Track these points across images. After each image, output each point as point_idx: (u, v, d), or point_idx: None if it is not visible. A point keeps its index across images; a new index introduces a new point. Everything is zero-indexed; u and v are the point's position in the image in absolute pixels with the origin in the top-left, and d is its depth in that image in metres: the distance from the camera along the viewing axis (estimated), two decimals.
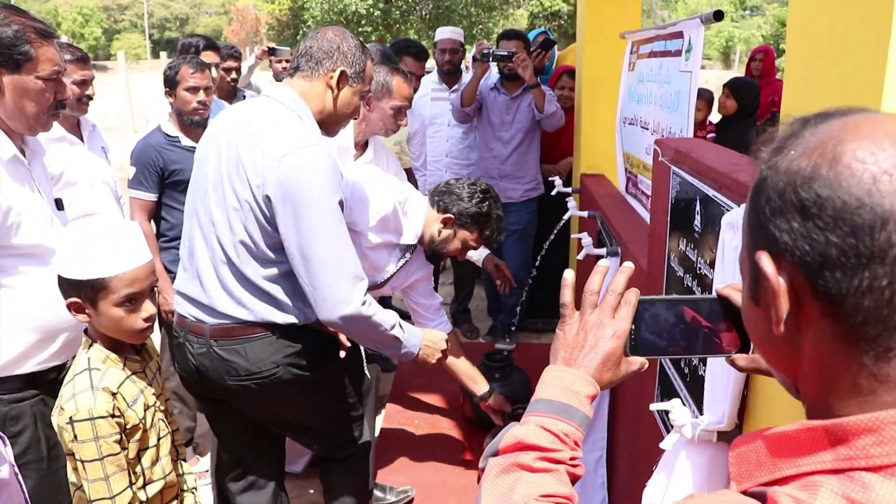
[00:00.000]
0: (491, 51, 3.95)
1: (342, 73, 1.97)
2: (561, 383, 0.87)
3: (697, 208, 1.57)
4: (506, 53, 3.90)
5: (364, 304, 1.90)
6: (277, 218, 1.83)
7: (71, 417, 1.52)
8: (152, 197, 2.96)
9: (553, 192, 3.53)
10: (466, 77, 4.47)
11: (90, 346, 1.62)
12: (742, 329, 0.88)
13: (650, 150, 2.93)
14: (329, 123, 2.04)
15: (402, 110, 2.69)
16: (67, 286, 1.56)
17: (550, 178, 3.56)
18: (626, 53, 3.34)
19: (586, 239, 3.02)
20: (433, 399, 3.68)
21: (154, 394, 1.71)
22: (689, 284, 1.63)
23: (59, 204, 1.97)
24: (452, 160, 4.44)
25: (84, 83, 2.80)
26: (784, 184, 0.58)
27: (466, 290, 4.88)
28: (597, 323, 0.88)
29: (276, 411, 2.10)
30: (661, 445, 1.40)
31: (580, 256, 2.97)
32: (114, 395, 1.57)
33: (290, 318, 1.96)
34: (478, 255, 2.98)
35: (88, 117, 2.96)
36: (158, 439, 1.68)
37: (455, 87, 4.40)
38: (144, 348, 1.74)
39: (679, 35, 2.56)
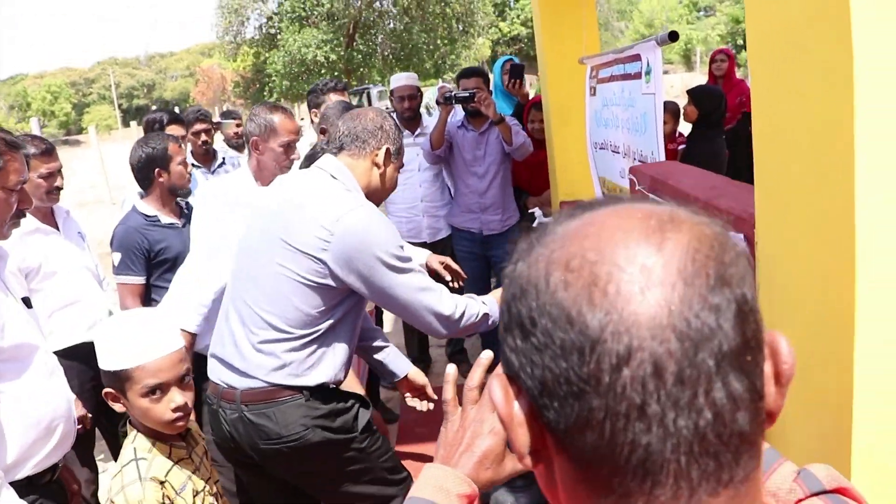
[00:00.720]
0: (453, 93, 4.01)
1: (387, 150, 2.07)
2: (434, 482, 0.83)
3: None
4: (467, 95, 3.94)
5: (455, 313, 1.99)
6: (345, 279, 1.89)
7: None
8: (141, 280, 2.90)
9: (534, 224, 3.51)
10: (427, 119, 4.50)
11: (135, 437, 1.64)
12: None
13: (624, 174, 2.93)
14: (374, 198, 2.08)
15: (290, 144, 2.70)
16: (103, 376, 1.60)
17: (530, 210, 3.54)
18: (587, 78, 3.36)
19: (538, 212, 3.01)
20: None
21: (203, 478, 1.71)
22: None
23: (27, 303, 1.93)
24: (428, 204, 4.42)
25: (51, 175, 2.77)
26: (511, 295, 0.51)
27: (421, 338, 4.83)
28: (475, 419, 0.86)
29: (308, 474, 2.09)
30: None
31: (535, 225, 2.94)
32: (162, 483, 1.58)
33: (319, 380, 1.98)
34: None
35: (62, 204, 2.93)
36: None
37: (418, 131, 4.40)
38: (189, 434, 1.74)
39: (637, 58, 2.58)
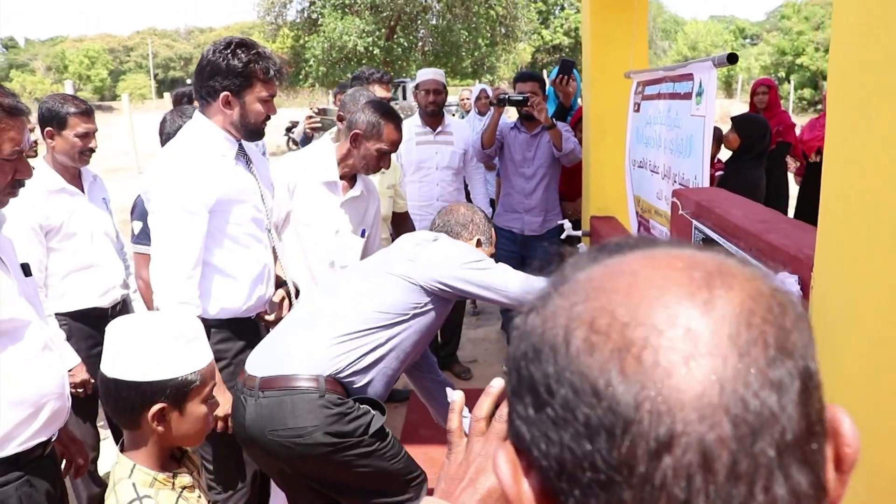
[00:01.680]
0: (507, 96, 4.13)
1: (478, 240, 2.40)
2: None
3: None
4: (521, 98, 4.04)
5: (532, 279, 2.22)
6: (462, 294, 2.23)
7: None
8: None
9: (563, 236, 3.45)
10: (450, 119, 4.56)
11: (132, 470, 1.40)
12: None
13: (661, 196, 2.86)
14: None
15: (386, 155, 2.80)
16: (150, 392, 1.36)
17: (559, 222, 3.48)
18: (632, 94, 3.29)
19: (582, 247, 2.96)
20: (442, 451, 3.54)
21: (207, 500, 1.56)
22: None
23: (26, 269, 1.86)
24: (443, 204, 4.40)
25: (87, 136, 2.75)
26: (521, 353, 0.43)
27: (454, 333, 4.82)
28: (481, 453, 0.80)
29: (315, 472, 2.09)
30: None
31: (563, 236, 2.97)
32: None
33: (350, 380, 2.07)
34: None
35: (90, 167, 2.90)
36: None
37: (439, 128, 4.41)
38: (186, 455, 1.55)
39: (689, 77, 2.50)
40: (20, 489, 1.73)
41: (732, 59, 2.11)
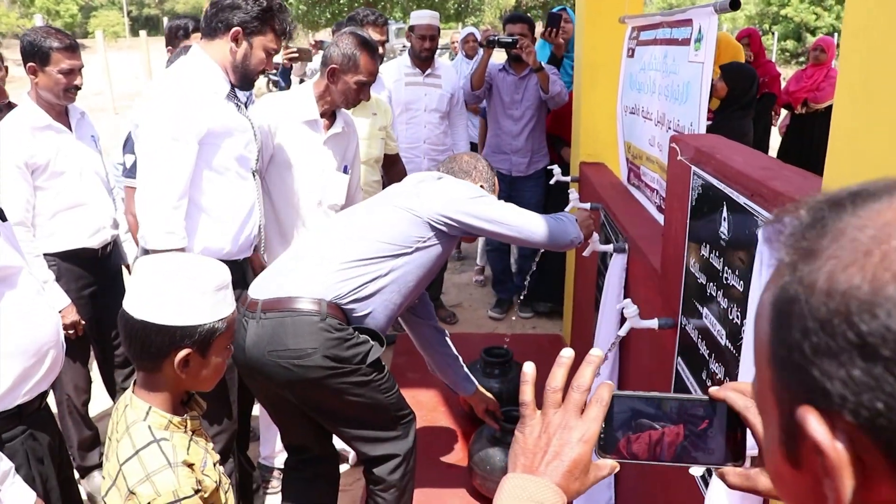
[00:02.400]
0: (496, 38, 4.24)
1: (481, 186, 2.42)
2: (523, 493, 0.76)
3: (724, 214, 1.49)
4: (510, 40, 4.15)
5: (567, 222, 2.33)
6: (467, 229, 2.24)
7: (150, 503, 1.30)
8: None
9: (552, 181, 3.45)
10: (441, 61, 4.59)
11: (147, 412, 1.39)
12: (737, 438, 0.79)
13: (654, 142, 2.85)
14: None
15: (366, 86, 2.80)
16: (179, 337, 1.35)
17: (549, 168, 3.48)
18: (626, 39, 3.25)
19: (573, 194, 2.99)
20: (429, 394, 3.60)
21: (212, 447, 1.56)
22: (713, 294, 1.56)
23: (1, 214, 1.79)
24: (430, 146, 4.44)
25: (72, 73, 2.68)
26: (829, 310, 0.41)
27: (437, 278, 4.89)
28: (561, 425, 0.79)
29: (310, 397, 2.12)
30: (691, 471, 1.34)
31: (567, 209, 2.99)
32: (190, 466, 1.38)
33: (352, 307, 2.10)
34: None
35: (76, 104, 2.84)
36: (225, 493, 1.54)
37: (428, 71, 4.43)
38: (192, 398, 1.55)
39: (687, 23, 2.47)
40: (25, 443, 1.73)
41: (735, 5, 2.09)
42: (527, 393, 0.81)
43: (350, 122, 3.02)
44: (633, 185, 3.11)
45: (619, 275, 2.45)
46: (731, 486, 0.81)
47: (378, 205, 2.27)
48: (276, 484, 2.98)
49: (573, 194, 3.05)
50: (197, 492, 1.36)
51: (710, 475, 1.33)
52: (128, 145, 2.83)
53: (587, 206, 3.01)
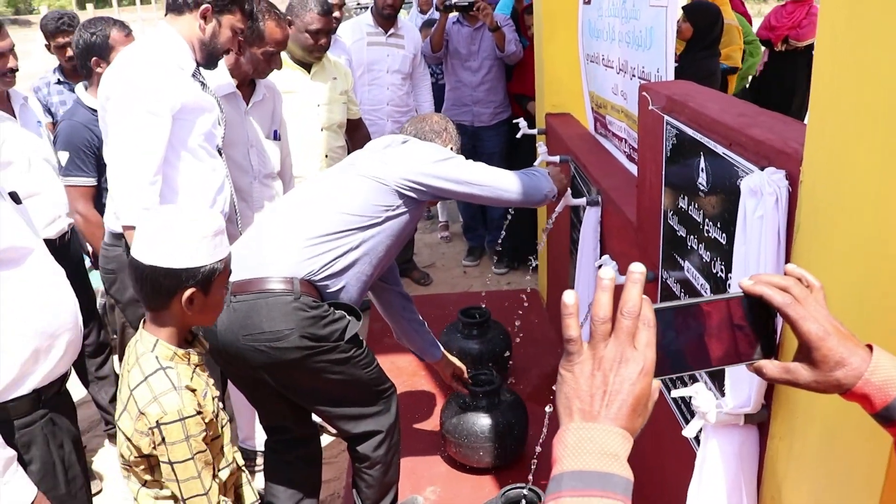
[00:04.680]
0: (453, 2, 4.26)
1: (451, 148, 2.36)
2: (592, 446, 0.68)
3: (702, 165, 1.45)
4: (466, 3, 4.23)
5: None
6: (436, 192, 2.18)
7: (158, 421, 1.49)
8: (93, 181, 2.68)
9: (518, 135, 3.39)
10: (403, 21, 4.52)
11: (154, 344, 1.57)
12: (768, 331, 0.79)
13: (617, 90, 2.80)
14: None
15: (275, 55, 2.74)
16: (185, 277, 1.51)
17: (515, 121, 3.41)
18: None
19: (542, 147, 2.96)
20: (407, 359, 3.56)
21: (213, 384, 1.70)
22: (694, 246, 1.53)
23: (14, 198, 1.71)
24: (393, 108, 4.35)
25: (2, 56, 2.53)
26: None
27: (408, 242, 4.87)
28: (616, 358, 0.71)
29: (288, 378, 2.08)
30: (684, 433, 1.32)
31: (536, 163, 2.98)
32: (193, 391, 1.57)
33: (324, 283, 2.05)
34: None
35: (18, 89, 2.69)
36: (221, 427, 1.69)
37: (391, 30, 4.29)
38: (196, 338, 1.70)
39: None
40: (45, 428, 1.67)
41: None
42: (572, 327, 0.72)
43: (271, 87, 2.93)
44: (601, 135, 3.07)
45: (595, 228, 2.42)
46: (768, 379, 0.81)
47: (342, 174, 2.19)
48: (260, 462, 2.95)
49: (541, 147, 2.99)
50: (199, 413, 1.54)
51: (700, 436, 1.32)
52: (59, 140, 2.68)
53: (556, 158, 2.96)
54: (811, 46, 5.03)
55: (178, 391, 1.52)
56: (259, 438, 2.95)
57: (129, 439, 1.54)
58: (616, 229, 2.28)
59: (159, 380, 1.52)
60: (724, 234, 1.37)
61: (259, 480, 2.91)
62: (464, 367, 2.81)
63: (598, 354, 0.71)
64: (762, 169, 1.17)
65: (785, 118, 1.36)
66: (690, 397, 1.27)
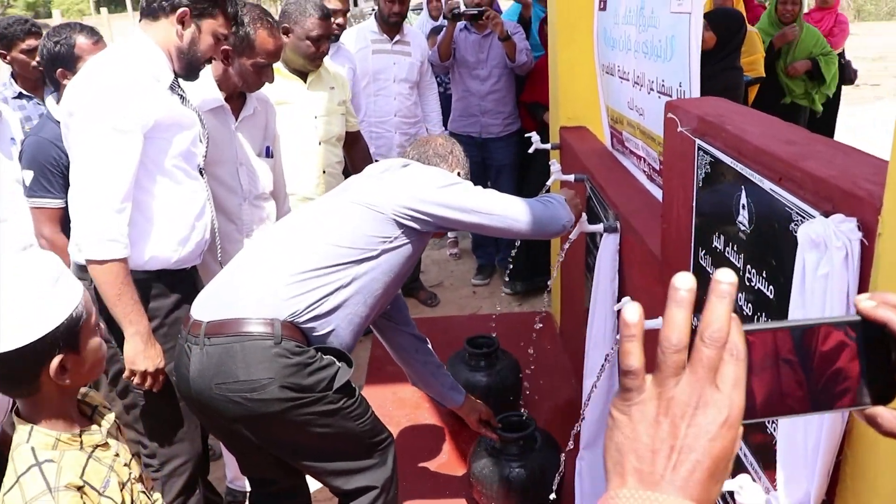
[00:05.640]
0: (461, 11, 4.11)
1: (458, 173, 2.18)
2: None
3: (743, 200, 1.22)
4: (475, 13, 4.06)
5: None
6: (440, 223, 1.95)
7: None
8: (60, 203, 2.41)
9: (530, 150, 3.16)
10: (408, 28, 4.34)
11: (30, 432, 1.25)
12: (889, 369, 0.57)
13: (633, 105, 2.58)
14: None
15: (266, 68, 2.46)
16: (42, 350, 1.21)
17: (527, 136, 3.19)
18: None
19: (555, 166, 2.72)
20: (411, 390, 3.29)
21: (124, 463, 1.38)
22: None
23: None
24: (401, 119, 4.15)
25: None
26: None
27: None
28: (692, 402, 0.51)
29: (268, 434, 1.84)
30: None
31: (549, 182, 2.76)
32: (80, 489, 1.24)
33: (311, 325, 1.81)
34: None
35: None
36: None
37: (396, 37, 4.11)
38: (96, 410, 1.41)
39: None
40: None
41: None
42: (633, 354, 0.52)
43: (263, 99, 2.68)
44: (618, 151, 2.84)
45: (613, 258, 2.19)
46: (885, 433, 0.60)
47: (334, 201, 1.97)
48: None
49: (554, 166, 2.76)
50: None
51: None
52: (24, 158, 2.46)
53: (571, 177, 2.73)
54: (842, 54, 4.75)
55: (53, 493, 1.20)
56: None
57: None
58: (637, 261, 2.05)
59: (32, 480, 1.21)
60: (771, 287, 1.14)
61: None
62: (490, 411, 2.55)
63: (666, 394, 0.51)
64: (826, 215, 0.94)
65: (846, 147, 1.13)
66: (733, 492, 1.03)
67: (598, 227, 2.22)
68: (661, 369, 0.52)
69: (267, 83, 2.52)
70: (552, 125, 3.62)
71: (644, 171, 2.47)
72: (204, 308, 1.84)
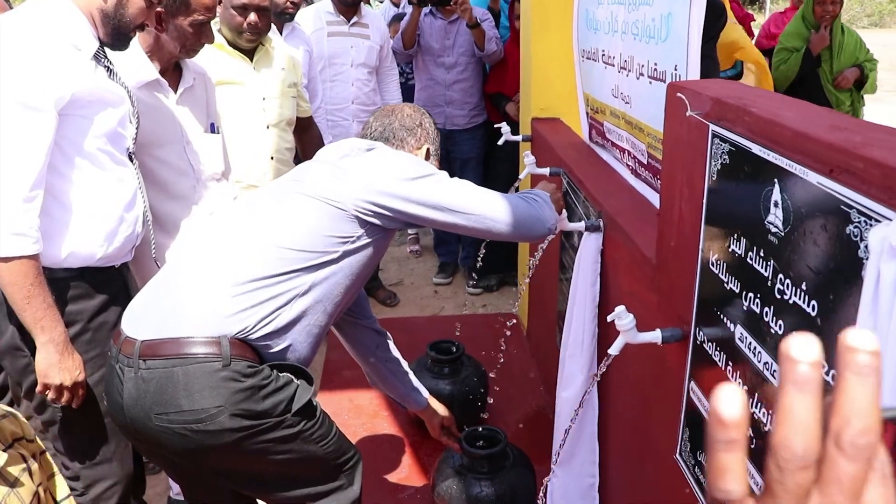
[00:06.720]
0: None
1: (427, 150, 1.95)
2: None
3: (775, 197, 1.01)
4: None
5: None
6: (407, 219, 1.71)
7: None
8: None
9: (500, 142, 2.96)
10: (366, 9, 4.12)
11: None
12: None
13: (618, 92, 2.38)
14: None
15: (205, 25, 2.18)
16: None
17: (496, 126, 2.98)
18: None
19: (529, 157, 2.52)
20: (368, 397, 3.10)
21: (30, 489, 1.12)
22: (755, 309, 1.09)
23: None
24: (359, 107, 3.90)
25: None
26: None
27: None
28: None
29: (220, 464, 1.61)
30: None
31: (522, 176, 2.65)
32: None
33: (264, 343, 1.58)
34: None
35: None
36: None
37: (354, 19, 3.86)
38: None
39: None
40: None
41: None
42: (734, 474, 0.33)
43: (200, 71, 2.39)
44: (598, 144, 2.64)
45: (595, 259, 1.98)
46: None
47: (284, 194, 1.70)
48: None
49: (528, 157, 2.55)
50: None
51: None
52: None
53: (546, 171, 2.52)
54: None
55: None
56: None
57: None
58: (624, 263, 1.85)
59: None
60: (812, 302, 0.93)
61: None
62: (452, 418, 2.35)
63: None
64: None
65: None
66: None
67: (580, 226, 2.01)
68: (776, 494, 0.33)
69: (210, 56, 2.24)
70: (523, 116, 3.41)
71: (628, 166, 2.27)
72: (137, 323, 1.58)
